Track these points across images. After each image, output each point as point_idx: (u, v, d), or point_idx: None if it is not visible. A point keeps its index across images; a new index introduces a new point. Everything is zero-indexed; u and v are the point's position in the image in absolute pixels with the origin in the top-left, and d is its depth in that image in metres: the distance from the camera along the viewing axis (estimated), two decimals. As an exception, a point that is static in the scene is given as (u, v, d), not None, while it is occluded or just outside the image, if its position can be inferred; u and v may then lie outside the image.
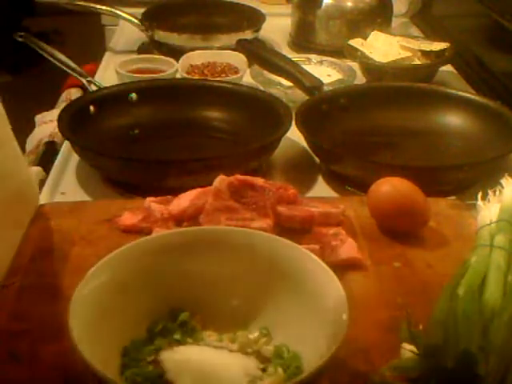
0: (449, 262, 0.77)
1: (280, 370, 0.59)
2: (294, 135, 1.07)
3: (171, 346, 0.61)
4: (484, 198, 0.80)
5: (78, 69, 1.27)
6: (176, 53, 1.42)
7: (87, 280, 0.60)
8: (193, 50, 1.42)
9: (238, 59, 1.37)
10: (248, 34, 1.51)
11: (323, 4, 1.52)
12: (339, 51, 1.41)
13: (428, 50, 1.37)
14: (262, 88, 1.25)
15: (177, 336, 0.63)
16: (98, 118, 1.11)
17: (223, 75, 1.34)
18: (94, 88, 1.23)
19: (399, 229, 0.82)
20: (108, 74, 1.43)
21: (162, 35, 1.52)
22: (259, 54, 1.31)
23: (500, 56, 1.41)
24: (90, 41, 2.46)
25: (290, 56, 1.31)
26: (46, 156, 1.19)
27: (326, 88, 1.18)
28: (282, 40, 1.64)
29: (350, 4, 1.51)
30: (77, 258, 0.78)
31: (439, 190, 0.92)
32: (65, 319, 0.55)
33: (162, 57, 1.41)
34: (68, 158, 1.09)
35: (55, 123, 1.05)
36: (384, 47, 1.38)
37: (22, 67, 3.69)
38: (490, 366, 0.56)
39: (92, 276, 0.60)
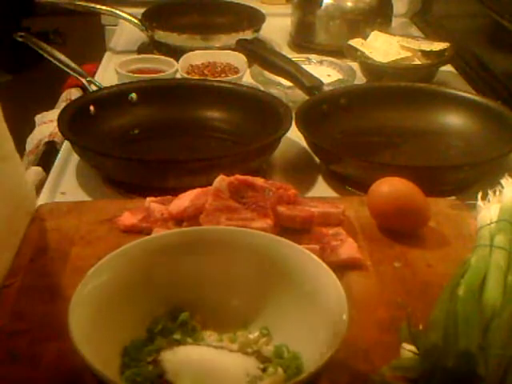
0: (449, 262, 0.77)
1: (280, 370, 0.59)
2: (294, 135, 1.07)
3: (171, 346, 0.61)
4: (484, 198, 0.80)
5: (78, 69, 1.27)
6: (176, 53, 1.42)
7: (87, 280, 0.60)
8: (193, 49, 1.42)
9: (238, 59, 1.37)
10: (248, 34, 1.51)
11: (323, 4, 1.52)
12: (339, 51, 1.41)
13: (428, 49, 1.37)
14: (262, 88, 1.25)
15: (177, 336, 0.63)
16: (97, 118, 1.11)
17: (223, 75, 1.34)
18: (94, 88, 1.23)
19: (399, 229, 0.82)
20: (108, 74, 1.43)
21: (161, 35, 1.52)
22: (259, 53, 1.31)
23: (500, 56, 1.41)
24: (90, 41, 2.46)
25: (290, 56, 1.31)
26: (46, 156, 1.19)
27: (325, 88, 1.18)
28: (282, 40, 1.64)
29: (349, 4, 1.51)
30: (76, 258, 0.78)
31: (439, 190, 0.92)
32: (65, 319, 0.55)
33: (162, 57, 1.41)
34: (68, 158, 1.09)
35: (55, 123, 1.05)
36: (384, 47, 1.37)
37: (22, 67, 3.69)
38: (490, 366, 0.56)
39: (92, 276, 0.60)
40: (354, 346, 0.63)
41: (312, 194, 0.99)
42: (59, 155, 1.11)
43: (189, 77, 1.32)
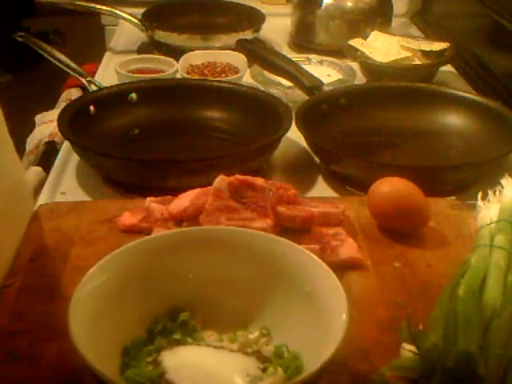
0: (449, 262, 0.77)
1: (280, 369, 0.59)
2: (294, 135, 1.07)
3: (171, 346, 0.61)
4: (484, 198, 0.80)
5: (78, 69, 1.27)
6: (176, 53, 1.42)
7: (87, 280, 0.60)
8: (193, 49, 1.42)
9: (238, 59, 1.37)
10: (248, 34, 1.51)
11: (323, 4, 1.52)
12: (339, 51, 1.41)
13: (428, 49, 1.37)
14: (262, 88, 1.25)
15: (177, 336, 0.63)
16: (98, 118, 1.11)
17: (223, 75, 1.34)
18: (94, 88, 1.23)
19: (399, 229, 0.82)
20: (108, 74, 1.43)
21: (161, 35, 1.52)
22: (259, 53, 1.31)
23: (500, 56, 1.41)
24: (90, 41, 2.46)
25: (290, 56, 1.31)
26: (46, 156, 1.19)
27: (325, 88, 1.18)
28: (282, 40, 1.64)
29: (349, 4, 1.51)
30: (76, 258, 0.78)
31: (439, 190, 0.92)
32: (65, 319, 0.55)
33: (162, 57, 1.41)
34: (68, 158, 1.09)
35: (55, 123, 1.05)
36: (384, 47, 1.38)
37: (22, 67, 3.69)
38: (490, 366, 0.56)
39: (92, 276, 0.60)
40: (353, 346, 0.63)
41: (312, 194, 0.99)
42: (59, 155, 1.11)
43: (189, 77, 1.32)
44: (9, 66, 3.79)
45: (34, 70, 3.47)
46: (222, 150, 1.11)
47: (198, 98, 1.17)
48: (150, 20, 1.56)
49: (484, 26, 1.52)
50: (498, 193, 0.79)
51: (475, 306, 0.62)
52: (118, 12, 1.58)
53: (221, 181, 0.81)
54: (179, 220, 0.80)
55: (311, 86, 1.15)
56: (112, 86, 1.19)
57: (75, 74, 1.27)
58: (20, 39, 1.36)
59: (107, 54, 1.59)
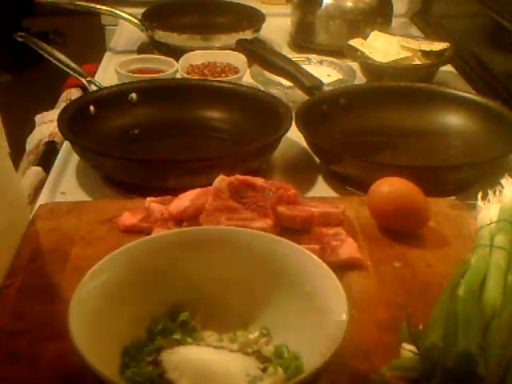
0: (449, 261, 0.77)
1: (280, 369, 0.59)
2: (294, 135, 1.07)
3: (171, 346, 0.61)
4: (484, 198, 0.80)
5: (78, 69, 1.27)
6: (176, 53, 1.42)
7: (87, 280, 0.60)
8: (193, 49, 1.42)
9: (238, 59, 1.37)
10: (248, 34, 1.51)
11: (323, 4, 1.52)
12: (339, 51, 1.41)
13: (428, 49, 1.37)
14: (262, 88, 1.25)
15: (177, 336, 0.63)
16: (98, 118, 1.11)
17: (223, 75, 1.34)
18: (94, 88, 1.23)
19: (399, 229, 0.82)
20: (108, 74, 1.43)
21: (161, 35, 1.52)
22: (259, 53, 1.31)
23: (500, 56, 1.41)
24: (90, 41, 2.46)
25: (290, 56, 1.31)
26: (46, 156, 1.19)
27: (325, 88, 1.18)
28: (282, 40, 1.64)
29: (349, 4, 1.52)
30: (76, 258, 0.78)
31: (439, 190, 0.92)
32: (65, 319, 0.55)
33: (162, 57, 1.41)
34: (68, 158, 1.09)
35: (55, 123, 1.05)
36: (384, 47, 1.38)
37: (22, 67, 3.69)
38: (490, 366, 0.56)
39: (92, 276, 0.60)
40: (353, 346, 0.63)
41: (312, 194, 0.99)
42: (59, 155, 1.11)
43: (189, 77, 1.32)
44: (9, 66, 3.79)
45: (34, 69, 3.47)
46: (222, 149, 1.11)
47: (198, 98, 1.17)
48: (150, 20, 1.56)
49: (484, 26, 1.52)
50: (497, 193, 0.79)
51: (475, 306, 0.62)
52: (118, 12, 1.58)
53: (221, 181, 0.81)
54: (179, 220, 0.80)
55: (311, 85, 1.15)
56: (112, 86, 1.19)
57: (75, 74, 1.27)
58: (20, 39, 1.36)
59: (107, 54, 1.59)
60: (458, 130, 1.12)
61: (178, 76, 1.32)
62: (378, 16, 1.53)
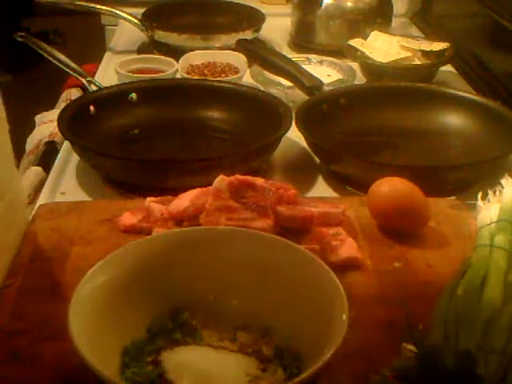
0: (449, 262, 0.77)
1: (280, 370, 0.59)
2: (294, 135, 1.07)
3: (171, 346, 0.61)
4: (484, 198, 0.80)
5: (78, 69, 1.27)
6: (176, 53, 1.42)
7: (87, 280, 0.60)
8: (193, 50, 1.42)
9: (238, 59, 1.37)
10: (248, 34, 1.51)
11: (323, 4, 1.52)
12: (339, 51, 1.41)
13: (428, 49, 1.37)
14: (262, 88, 1.25)
15: (177, 336, 0.63)
16: (98, 118, 1.11)
17: (223, 75, 1.34)
18: (94, 88, 1.23)
19: (399, 229, 0.82)
20: (108, 74, 1.43)
21: (161, 35, 1.52)
22: (259, 53, 1.31)
23: (500, 56, 1.41)
24: (90, 41, 2.46)
25: (290, 56, 1.31)
26: (46, 156, 1.19)
27: (325, 88, 1.18)
28: (282, 40, 1.64)
29: (349, 4, 1.51)
30: (76, 258, 0.78)
31: (439, 190, 0.92)
32: (65, 319, 0.55)
33: (162, 57, 1.41)
34: (68, 158, 1.09)
35: (55, 123, 1.05)
36: (384, 47, 1.38)
37: (22, 67, 3.69)
38: (490, 366, 0.56)
39: (92, 276, 0.60)
40: (354, 346, 0.63)
41: (312, 194, 0.99)
42: (59, 155, 1.11)
43: (189, 77, 1.32)
44: (9, 66, 3.78)
45: (34, 69, 3.47)
46: (222, 149, 1.11)
47: (198, 97, 1.17)
48: (150, 20, 1.56)
49: (484, 26, 1.52)
50: (497, 193, 0.79)
51: (475, 306, 0.62)
52: (118, 12, 1.58)
53: (221, 181, 0.81)
54: (179, 220, 0.80)
55: (311, 86, 1.15)
56: (112, 86, 1.19)
57: (75, 74, 1.27)
58: (20, 39, 1.36)
59: (107, 54, 1.59)
60: (458, 130, 1.12)
61: (178, 76, 1.32)
62: (378, 16, 1.53)
